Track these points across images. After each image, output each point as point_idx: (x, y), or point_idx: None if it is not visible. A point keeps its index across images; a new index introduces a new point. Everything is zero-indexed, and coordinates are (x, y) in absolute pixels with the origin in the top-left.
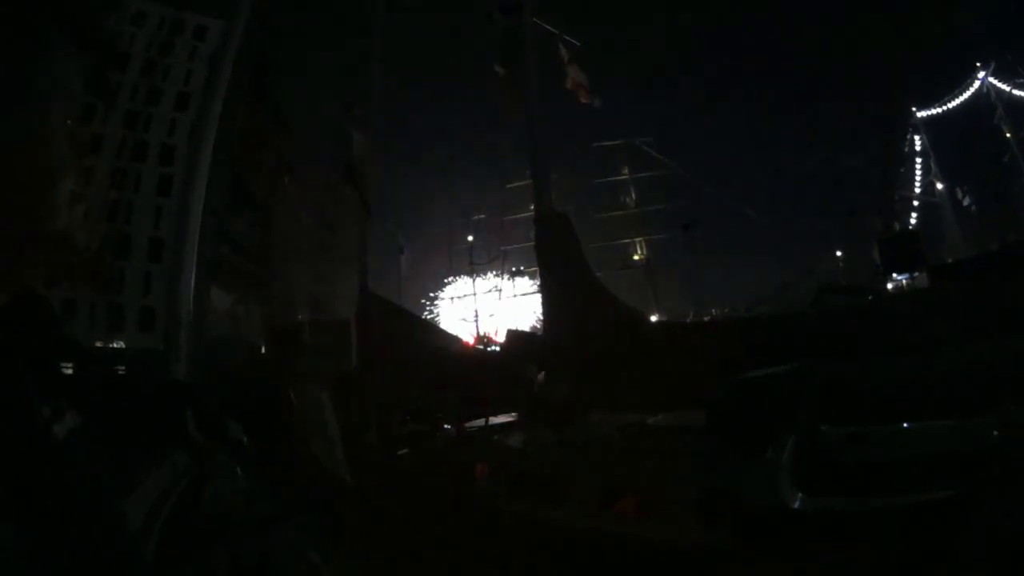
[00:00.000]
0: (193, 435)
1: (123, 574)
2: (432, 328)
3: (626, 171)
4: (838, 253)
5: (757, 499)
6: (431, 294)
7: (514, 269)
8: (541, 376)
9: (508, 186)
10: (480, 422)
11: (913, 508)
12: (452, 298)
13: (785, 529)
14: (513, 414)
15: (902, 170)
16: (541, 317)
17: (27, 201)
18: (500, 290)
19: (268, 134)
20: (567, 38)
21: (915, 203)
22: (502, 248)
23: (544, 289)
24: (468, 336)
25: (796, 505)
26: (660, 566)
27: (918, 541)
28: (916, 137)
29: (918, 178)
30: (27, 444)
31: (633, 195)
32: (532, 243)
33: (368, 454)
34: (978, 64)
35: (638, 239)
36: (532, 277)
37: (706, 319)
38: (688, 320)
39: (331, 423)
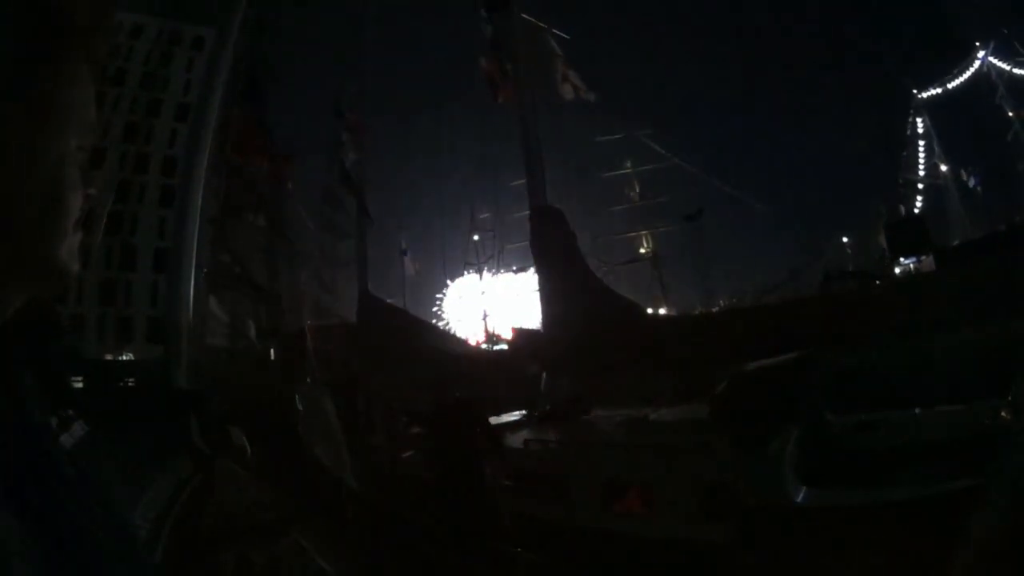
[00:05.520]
0: (198, 443)
1: None
2: (434, 329)
3: (628, 164)
4: (844, 239)
5: (761, 493)
6: (437, 295)
7: (516, 267)
8: (544, 374)
9: (512, 184)
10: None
11: (922, 499)
12: (458, 297)
13: (791, 523)
14: (516, 413)
15: (905, 153)
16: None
17: (36, 224)
18: (503, 288)
19: (264, 141)
20: (556, 31)
21: (919, 186)
22: (506, 246)
23: (540, 284)
24: (475, 336)
25: (800, 499)
26: (663, 563)
27: (925, 532)
28: (918, 119)
29: (922, 160)
30: (34, 454)
31: (637, 188)
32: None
33: (373, 457)
34: (977, 43)
35: (643, 232)
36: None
37: (714, 310)
38: (696, 312)
39: (335, 428)
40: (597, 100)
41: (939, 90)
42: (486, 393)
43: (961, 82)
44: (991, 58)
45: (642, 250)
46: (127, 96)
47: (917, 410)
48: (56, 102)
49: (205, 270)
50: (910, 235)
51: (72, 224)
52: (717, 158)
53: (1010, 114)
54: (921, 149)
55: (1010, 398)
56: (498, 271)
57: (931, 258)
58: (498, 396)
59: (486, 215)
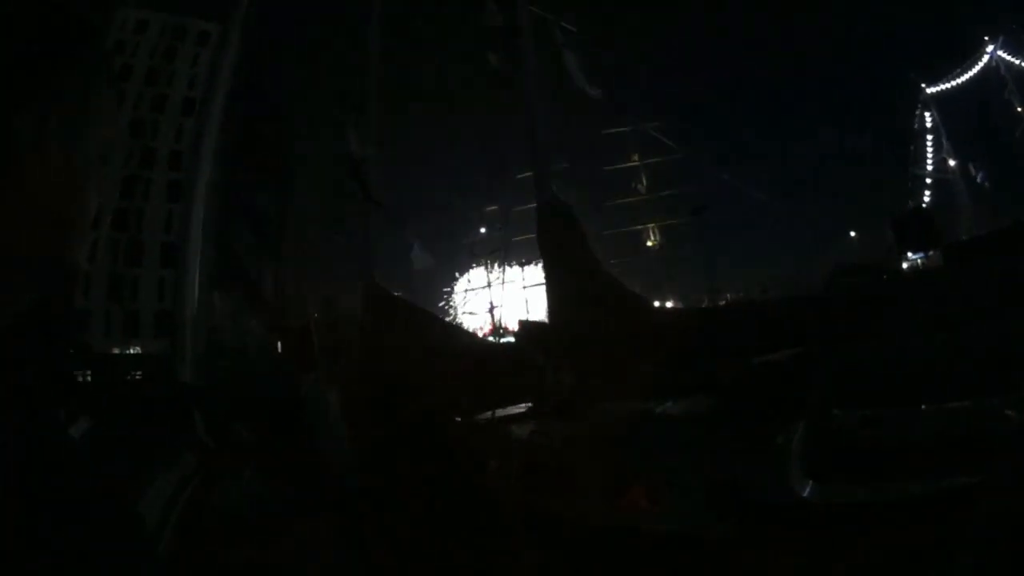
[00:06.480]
0: (203, 438)
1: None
2: (441, 321)
3: (636, 157)
4: (852, 233)
5: (767, 488)
6: (444, 289)
7: (523, 260)
8: (550, 367)
9: (519, 176)
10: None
11: (927, 495)
12: (466, 291)
13: (796, 519)
14: (522, 406)
15: (912, 148)
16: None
17: (57, 228)
18: (507, 282)
19: (270, 133)
20: (564, 25)
21: (927, 180)
22: (513, 239)
23: (548, 279)
24: (482, 328)
25: (806, 494)
26: (669, 558)
27: (930, 529)
28: (927, 114)
29: (930, 155)
30: (40, 447)
31: (644, 181)
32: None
33: (378, 450)
34: (986, 38)
35: (650, 225)
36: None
37: (721, 304)
38: (703, 305)
39: (339, 423)
40: (598, 94)
41: (947, 85)
42: (487, 389)
43: (969, 77)
44: (1000, 52)
45: (649, 243)
46: (132, 91)
47: (923, 406)
48: (83, 111)
49: (211, 265)
50: (918, 230)
51: (88, 227)
52: (725, 152)
53: (1019, 109)
54: (929, 144)
55: (1015, 396)
56: (505, 264)
57: (939, 253)
58: (503, 389)
59: (493, 208)
